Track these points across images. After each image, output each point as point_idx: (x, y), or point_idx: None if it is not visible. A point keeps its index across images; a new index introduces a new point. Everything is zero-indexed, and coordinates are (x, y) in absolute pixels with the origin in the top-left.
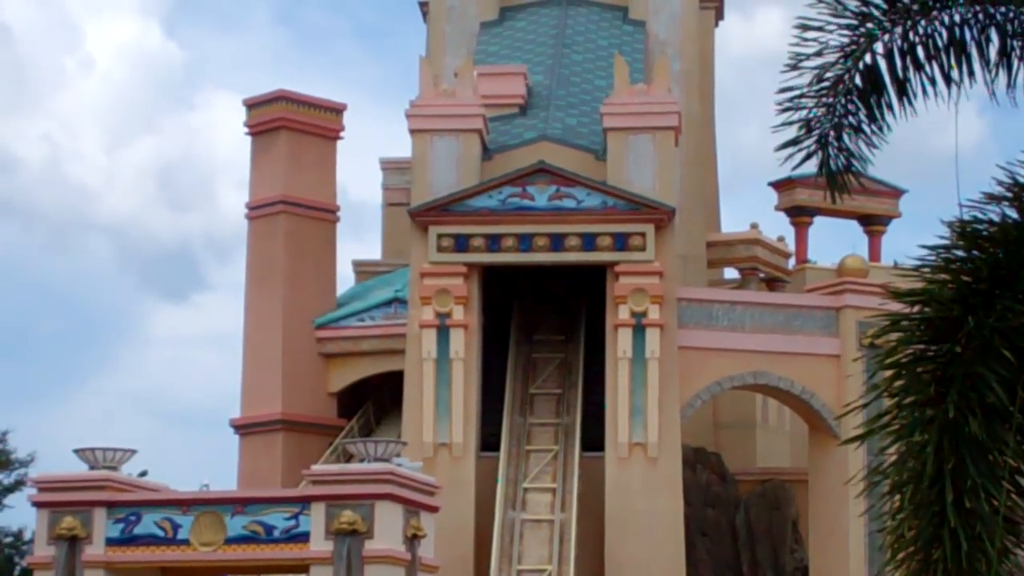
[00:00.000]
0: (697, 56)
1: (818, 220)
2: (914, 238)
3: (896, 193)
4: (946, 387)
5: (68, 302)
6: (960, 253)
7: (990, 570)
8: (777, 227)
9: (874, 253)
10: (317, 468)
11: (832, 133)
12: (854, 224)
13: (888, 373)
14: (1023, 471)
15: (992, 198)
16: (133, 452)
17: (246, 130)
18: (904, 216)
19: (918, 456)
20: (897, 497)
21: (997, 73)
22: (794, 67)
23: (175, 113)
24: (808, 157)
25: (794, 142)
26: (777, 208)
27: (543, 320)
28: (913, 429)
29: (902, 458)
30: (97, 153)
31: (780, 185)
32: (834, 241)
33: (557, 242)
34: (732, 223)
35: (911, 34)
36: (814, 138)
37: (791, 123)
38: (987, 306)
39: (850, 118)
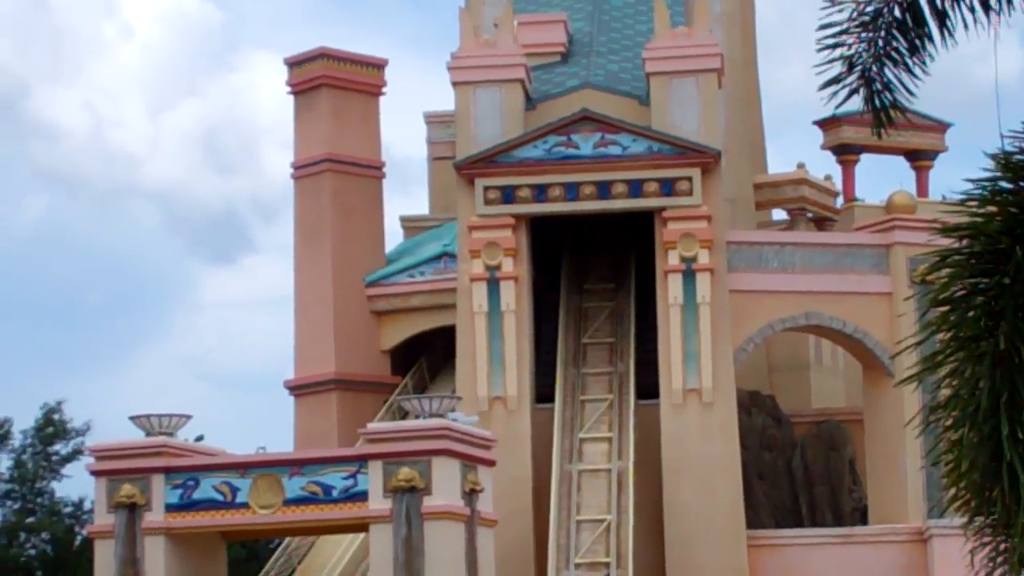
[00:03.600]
0: None
1: (865, 157)
2: (962, 172)
3: (942, 127)
4: (997, 320)
5: (116, 270)
6: (1006, 185)
7: None
8: (824, 166)
9: (922, 188)
10: (373, 426)
11: (875, 68)
12: (901, 160)
13: (940, 310)
14: None
15: None
16: (188, 417)
17: (288, 89)
18: (951, 150)
19: (972, 391)
20: (955, 433)
21: None
22: (834, 2)
23: (216, 75)
24: (852, 94)
25: (837, 79)
26: (823, 147)
27: (593, 269)
28: (966, 364)
29: (956, 394)
30: (140, 119)
31: (825, 124)
32: (881, 178)
33: (604, 190)
34: (778, 164)
35: None
36: (857, 74)
37: (833, 60)
38: None
39: (892, 52)
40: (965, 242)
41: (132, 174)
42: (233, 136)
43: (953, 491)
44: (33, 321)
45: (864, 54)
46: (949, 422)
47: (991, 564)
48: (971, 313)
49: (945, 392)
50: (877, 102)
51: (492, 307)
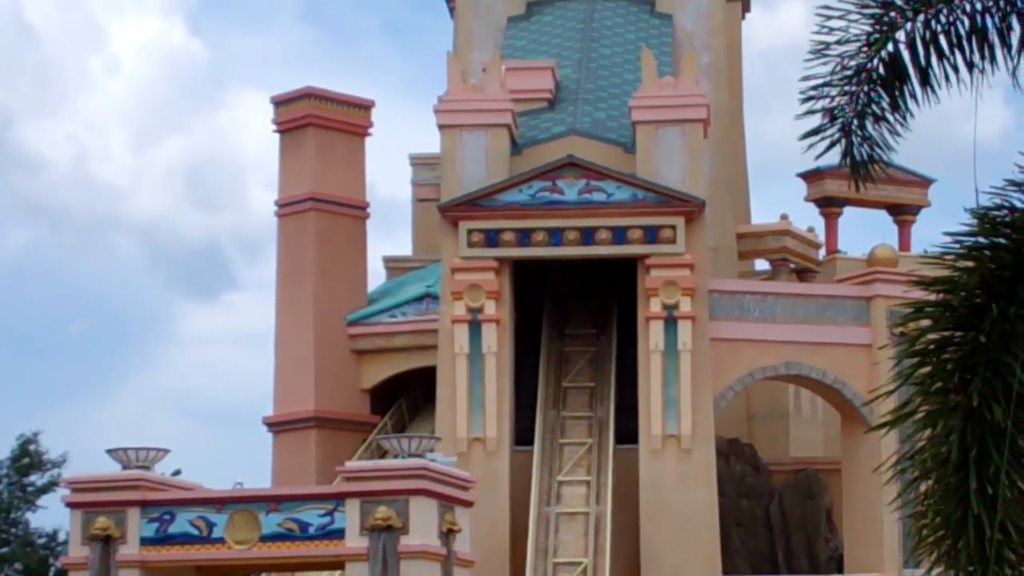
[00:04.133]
0: (724, 49)
1: (848, 210)
2: (944, 227)
3: (925, 183)
4: (970, 374)
5: (97, 302)
6: (983, 240)
7: (1015, 554)
8: (807, 218)
9: (904, 243)
10: (351, 465)
11: (855, 121)
12: (884, 214)
13: (914, 361)
14: None
15: (1014, 184)
16: (166, 451)
17: (274, 128)
18: (934, 205)
19: (943, 443)
20: (924, 484)
21: (1019, 61)
22: (817, 55)
23: (202, 112)
24: (832, 145)
25: (818, 131)
26: (807, 199)
27: (575, 314)
28: (938, 416)
29: (928, 445)
30: (124, 153)
31: (809, 176)
32: (864, 231)
33: (588, 236)
34: (762, 215)
35: (933, 22)
36: (837, 126)
37: (814, 111)
38: (1010, 293)
39: (873, 106)
40: (941, 295)
41: (115, 207)
42: (217, 172)
43: (920, 540)
44: (12, 351)
45: (846, 107)
46: (916, 473)
47: None
48: (945, 366)
49: (918, 443)
50: (856, 155)
51: (473, 349)
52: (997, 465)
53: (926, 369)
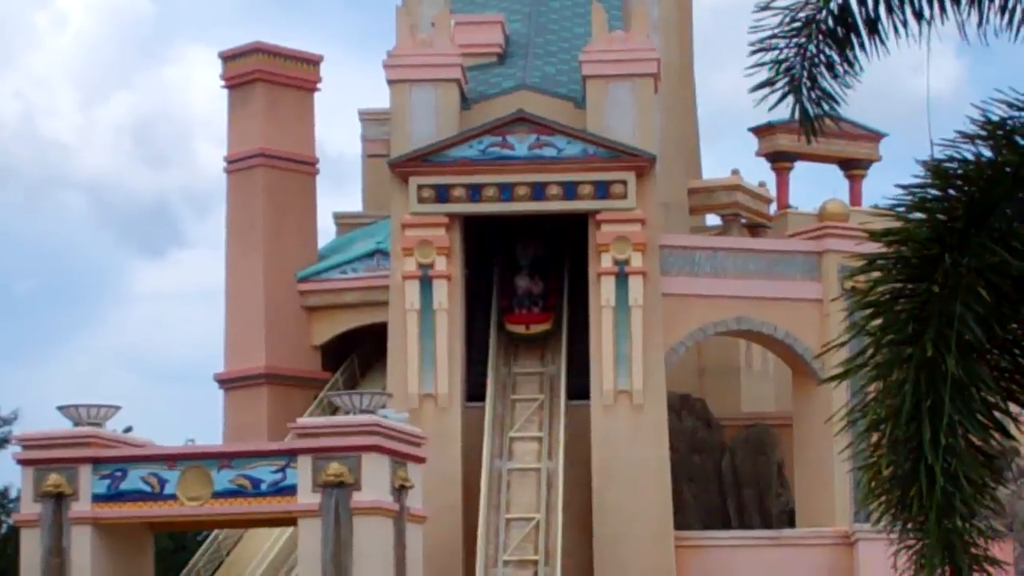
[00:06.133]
0: (675, 3)
1: (799, 165)
2: (895, 181)
3: (876, 137)
4: (923, 325)
5: (46, 260)
6: (935, 192)
7: (966, 506)
8: (758, 173)
9: (855, 197)
10: (303, 421)
11: (805, 74)
12: (835, 169)
13: (866, 313)
14: (1000, 407)
15: (966, 137)
16: (117, 408)
17: (222, 83)
18: (885, 160)
19: (896, 394)
20: (875, 435)
21: (969, 14)
22: (766, 7)
23: (150, 68)
24: (783, 98)
25: (768, 83)
26: (758, 154)
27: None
28: (891, 367)
29: (880, 396)
30: (72, 110)
31: (760, 131)
32: (815, 186)
33: (538, 191)
34: (713, 170)
35: None
36: (787, 79)
37: (763, 64)
38: (963, 244)
39: (823, 59)
40: (893, 248)
41: (63, 165)
42: (166, 129)
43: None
44: None
45: (794, 60)
46: (868, 424)
47: (914, 567)
48: (898, 317)
49: (870, 395)
50: (806, 108)
51: (424, 305)
52: (950, 416)
53: (878, 321)
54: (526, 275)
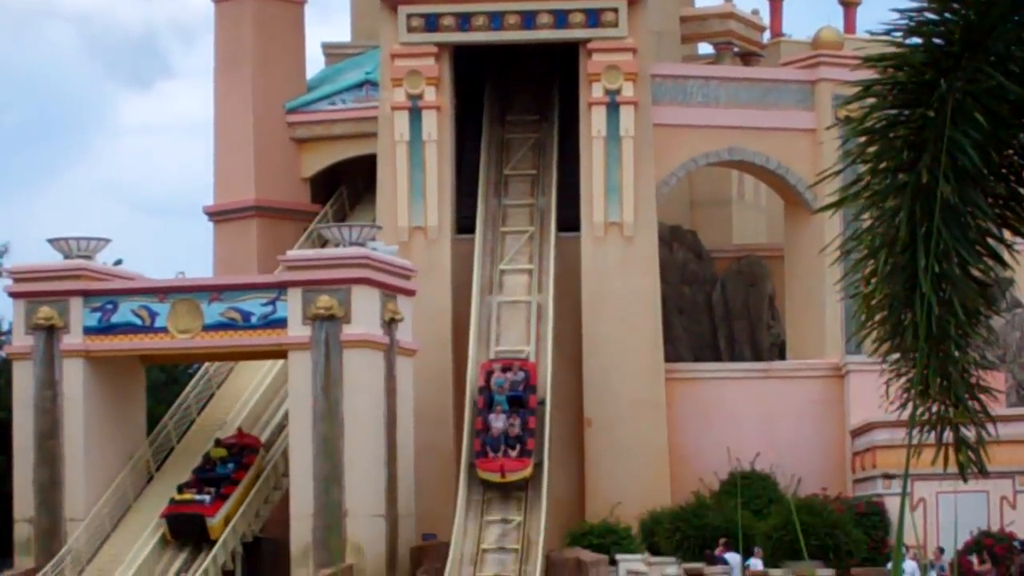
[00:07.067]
0: None
1: None
2: (890, 7)
3: None
4: (919, 152)
5: (33, 92)
6: (932, 16)
7: (959, 333)
8: (751, 0)
9: (849, 25)
10: (292, 254)
11: None
12: None
13: (861, 140)
14: (995, 235)
15: None
16: (107, 241)
17: None
18: None
19: (891, 221)
20: (870, 263)
21: None
22: None
23: None
24: None
25: None
26: None
27: (516, 100)
28: (886, 195)
29: (875, 224)
30: None
31: None
32: (809, 14)
33: (529, 20)
34: None
35: None
36: None
37: None
38: (959, 69)
39: None
40: (888, 73)
41: None
42: None
43: (865, 320)
44: None
45: None
46: (863, 252)
47: (905, 396)
48: (893, 144)
49: (864, 223)
50: None
51: (413, 136)
52: (946, 243)
53: (873, 148)
54: (502, 414)
